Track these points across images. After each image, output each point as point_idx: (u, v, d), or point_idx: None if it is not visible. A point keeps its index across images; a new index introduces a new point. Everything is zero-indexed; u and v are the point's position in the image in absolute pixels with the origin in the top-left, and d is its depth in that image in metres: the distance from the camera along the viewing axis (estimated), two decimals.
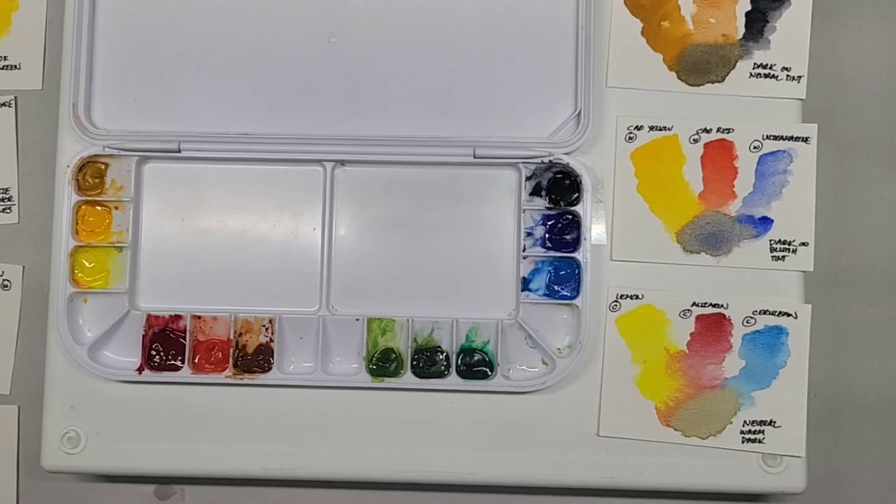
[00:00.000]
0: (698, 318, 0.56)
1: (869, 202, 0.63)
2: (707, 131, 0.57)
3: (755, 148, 0.57)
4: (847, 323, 0.62)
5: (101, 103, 0.58)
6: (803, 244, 0.56)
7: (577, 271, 0.56)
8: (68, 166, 0.56)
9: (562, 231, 0.56)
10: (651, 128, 0.57)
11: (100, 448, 0.56)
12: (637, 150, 0.57)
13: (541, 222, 0.56)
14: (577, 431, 0.56)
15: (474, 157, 0.56)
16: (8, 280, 0.62)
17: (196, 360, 0.56)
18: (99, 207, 0.57)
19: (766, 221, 0.56)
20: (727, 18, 0.58)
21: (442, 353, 0.56)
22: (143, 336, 0.56)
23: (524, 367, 0.56)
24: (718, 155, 0.57)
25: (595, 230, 0.56)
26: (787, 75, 0.57)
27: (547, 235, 0.56)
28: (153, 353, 0.56)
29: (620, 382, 0.56)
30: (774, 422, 0.56)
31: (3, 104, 0.62)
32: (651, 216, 0.57)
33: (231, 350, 0.56)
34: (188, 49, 0.58)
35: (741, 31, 0.57)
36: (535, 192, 0.56)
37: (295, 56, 0.58)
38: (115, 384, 0.57)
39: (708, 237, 0.57)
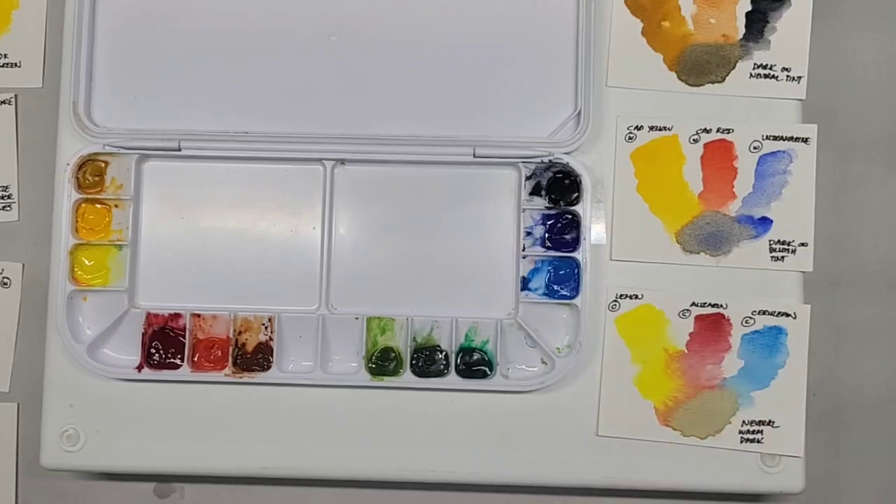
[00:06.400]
0: (697, 318, 0.56)
1: (869, 202, 0.63)
2: (707, 131, 0.57)
3: (755, 148, 0.57)
4: (846, 323, 0.62)
5: (101, 101, 0.58)
6: (802, 244, 0.56)
7: (576, 271, 0.56)
8: (68, 164, 0.56)
9: (561, 231, 0.56)
10: (651, 128, 0.57)
11: (99, 446, 0.56)
12: (637, 150, 0.57)
13: (540, 222, 0.56)
14: (577, 431, 0.56)
15: (474, 156, 0.56)
16: (7, 278, 0.62)
17: (195, 359, 0.56)
18: (99, 205, 0.57)
19: (765, 222, 0.56)
20: (727, 18, 0.58)
21: (441, 352, 0.56)
22: (143, 334, 0.56)
23: (523, 367, 0.56)
24: (718, 155, 0.57)
25: (595, 230, 0.56)
26: (787, 75, 0.57)
27: (546, 235, 0.56)
28: (153, 351, 0.56)
29: (619, 382, 0.56)
30: (773, 422, 0.56)
31: (4, 102, 0.62)
32: (651, 216, 0.57)
33: (230, 348, 0.56)
34: (188, 48, 0.58)
35: (741, 31, 0.57)
36: (535, 191, 0.56)
37: (295, 55, 0.57)
38: (114, 382, 0.57)
39: (707, 237, 0.57)
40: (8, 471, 0.62)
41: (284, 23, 0.58)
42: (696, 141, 0.57)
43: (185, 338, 0.56)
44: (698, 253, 0.57)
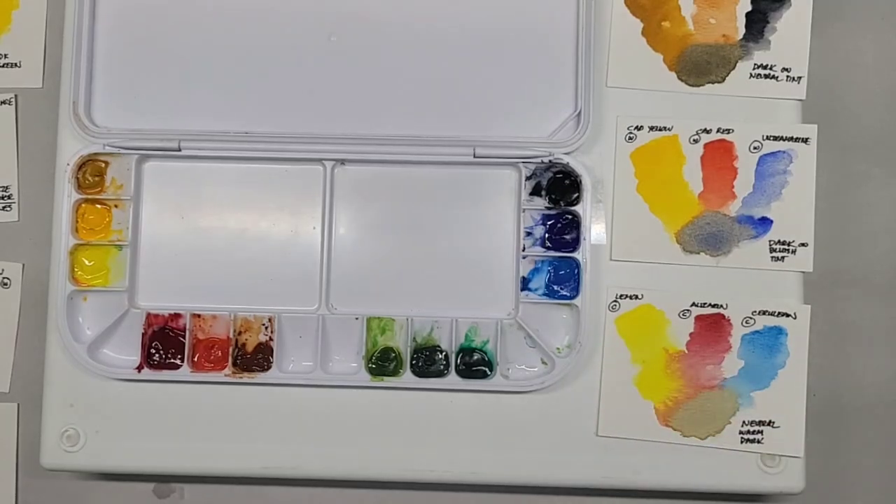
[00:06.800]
0: (697, 318, 0.56)
1: (869, 202, 0.63)
2: (707, 131, 0.57)
3: (755, 148, 0.57)
4: (846, 323, 0.62)
5: (101, 101, 0.58)
6: (803, 245, 0.56)
7: (576, 271, 0.56)
8: (68, 164, 0.56)
9: (561, 231, 0.56)
10: (651, 128, 0.57)
11: (99, 446, 0.56)
12: (637, 150, 0.57)
13: (540, 222, 0.56)
14: (577, 431, 0.56)
15: (474, 156, 0.56)
16: (8, 278, 0.62)
17: (195, 359, 0.56)
18: (99, 206, 0.57)
19: (765, 222, 0.56)
20: (727, 19, 0.58)
21: (441, 352, 0.56)
22: (143, 334, 0.56)
23: (523, 367, 0.56)
24: (718, 155, 0.57)
25: (595, 230, 0.56)
26: (787, 76, 0.57)
27: (546, 235, 0.56)
28: (153, 351, 0.56)
29: (619, 382, 0.56)
30: (773, 422, 0.56)
31: (4, 102, 0.62)
32: (651, 216, 0.57)
33: (230, 349, 0.56)
34: (189, 47, 0.58)
35: (741, 31, 0.57)
36: (535, 191, 0.56)
37: (295, 55, 0.58)
38: (114, 382, 0.57)
39: (707, 237, 0.57)
40: (8, 471, 0.62)
41: (284, 22, 0.58)
42: (696, 141, 0.57)
43: (185, 338, 0.56)
44: (698, 253, 0.57)
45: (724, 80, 0.57)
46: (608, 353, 0.56)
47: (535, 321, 0.56)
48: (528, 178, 0.56)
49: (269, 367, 0.56)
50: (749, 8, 0.57)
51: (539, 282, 0.56)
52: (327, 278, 0.57)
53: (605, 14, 0.57)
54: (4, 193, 0.62)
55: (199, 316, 0.57)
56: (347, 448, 0.56)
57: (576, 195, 0.56)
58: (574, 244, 0.56)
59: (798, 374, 0.56)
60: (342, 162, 0.57)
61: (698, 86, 0.57)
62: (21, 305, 0.62)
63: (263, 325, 0.56)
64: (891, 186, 0.63)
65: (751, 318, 0.56)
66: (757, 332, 0.56)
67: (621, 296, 0.56)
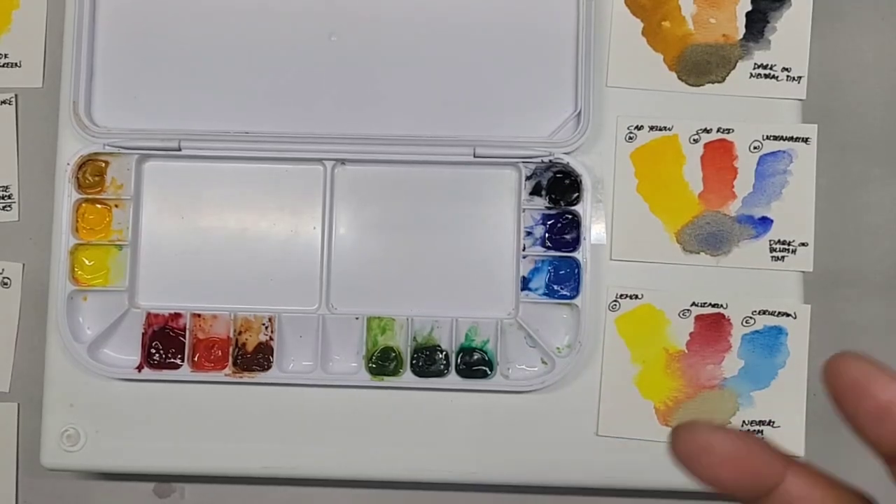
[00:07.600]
0: (698, 318, 0.56)
1: (869, 202, 0.63)
2: (707, 131, 0.57)
3: (755, 148, 0.57)
4: (846, 323, 0.62)
5: (101, 101, 0.58)
6: (803, 244, 0.56)
7: (576, 271, 0.56)
8: (68, 164, 0.56)
9: (562, 230, 0.56)
10: (651, 128, 0.57)
11: (99, 446, 0.56)
12: (637, 150, 0.57)
13: (540, 222, 0.56)
14: (577, 431, 0.56)
15: (474, 156, 0.56)
16: (8, 278, 0.62)
17: (196, 359, 0.56)
18: (99, 205, 0.57)
19: (765, 222, 0.56)
20: (727, 18, 0.58)
21: (441, 352, 0.56)
22: (143, 334, 0.56)
23: (523, 367, 0.56)
24: (718, 155, 0.57)
25: (595, 230, 0.56)
26: (788, 76, 0.57)
27: (547, 235, 0.56)
28: (153, 351, 0.56)
29: (620, 382, 0.56)
30: (773, 422, 0.56)
31: (4, 102, 0.62)
32: (651, 216, 0.57)
33: (231, 348, 0.56)
34: (189, 47, 0.58)
35: (741, 31, 0.57)
36: (535, 191, 0.56)
37: (296, 54, 0.58)
38: (114, 382, 0.57)
39: (707, 237, 0.57)
40: (8, 471, 0.62)
41: (285, 22, 0.58)
42: (696, 141, 0.57)
43: (185, 338, 0.56)
44: (698, 253, 0.57)
45: (724, 79, 0.57)
46: (608, 352, 0.56)
47: (535, 321, 0.56)
48: (528, 178, 0.56)
49: (269, 367, 0.56)
50: (749, 8, 0.57)
51: (539, 281, 0.56)
52: (327, 278, 0.57)
53: (605, 14, 0.57)
54: (4, 193, 0.62)
55: (199, 316, 0.57)
56: (347, 448, 0.56)
57: (576, 195, 0.56)
58: (574, 244, 0.56)
59: (798, 374, 0.56)
60: (342, 162, 0.57)
61: (698, 86, 0.57)
62: (21, 305, 0.62)
63: (263, 324, 0.56)
64: (891, 186, 0.63)
65: (751, 317, 0.56)
66: (757, 331, 0.56)
67: (621, 295, 0.56)
